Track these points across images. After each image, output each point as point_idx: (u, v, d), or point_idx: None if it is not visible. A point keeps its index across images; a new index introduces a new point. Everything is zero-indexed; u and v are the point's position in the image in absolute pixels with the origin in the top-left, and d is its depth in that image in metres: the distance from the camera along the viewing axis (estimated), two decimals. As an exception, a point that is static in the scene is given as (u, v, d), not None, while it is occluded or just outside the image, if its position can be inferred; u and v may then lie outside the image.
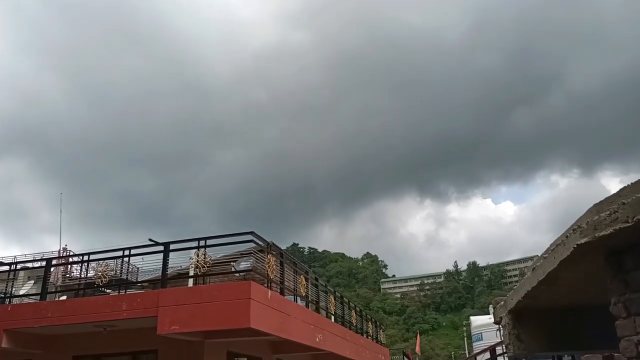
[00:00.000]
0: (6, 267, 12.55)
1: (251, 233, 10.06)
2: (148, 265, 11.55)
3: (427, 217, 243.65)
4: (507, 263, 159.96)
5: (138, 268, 12.54)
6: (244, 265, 11.86)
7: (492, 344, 15.36)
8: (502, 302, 5.46)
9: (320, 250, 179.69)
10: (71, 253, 21.28)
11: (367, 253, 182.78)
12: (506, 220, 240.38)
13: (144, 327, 10.42)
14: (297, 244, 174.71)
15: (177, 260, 11.70)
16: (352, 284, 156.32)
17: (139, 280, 12.50)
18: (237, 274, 11.75)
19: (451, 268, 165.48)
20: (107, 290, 12.43)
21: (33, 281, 14.82)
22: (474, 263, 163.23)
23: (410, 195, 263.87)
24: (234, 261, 12.03)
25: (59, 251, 22.54)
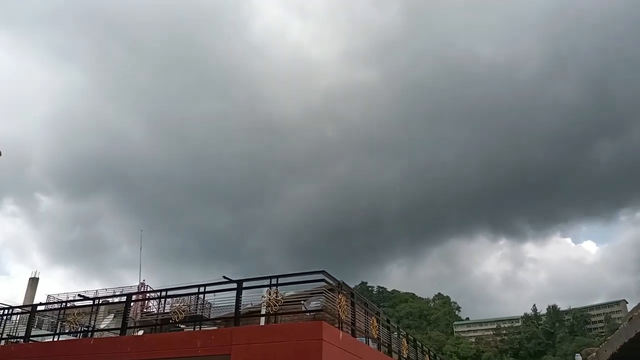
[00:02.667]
0: (89, 302, 13.13)
1: (322, 272, 10.03)
2: (221, 301, 11.76)
3: (502, 257, 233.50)
4: (591, 307, 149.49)
5: (211, 304, 12.81)
6: (314, 304, 11.82)
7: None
8: (594, 354, 5.07)
9: (389, 289, 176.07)
10: (149, 288, 22.11)
11: (439, 294, 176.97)
12: (589, 261, 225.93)
13: (216, 365, 10.54)
14: (366, 283, 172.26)
15: (248, 298, 11.82)
16: (423, 325, 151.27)
17: (211, 316, 12.73)
18: (308, 314, 11.71)
19: (530, 311, 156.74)
20: (182, 326, 12.72)
21: (113, 315, 15.43)
22: (554, 307, 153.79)
23: (483, 233, 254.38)
24: (304, 300, 12.02)
25: (138, 286, 23.49)
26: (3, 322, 13.38)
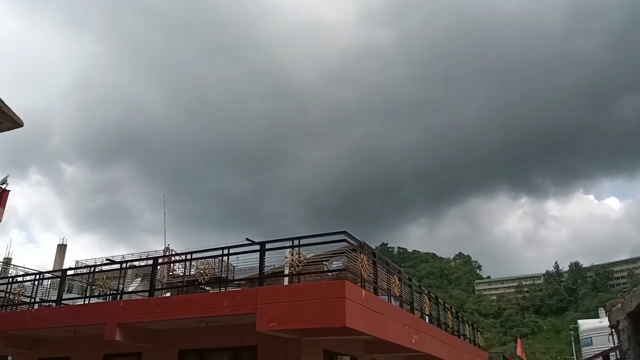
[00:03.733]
0: (117, 266, 13.46)
1: (343, 232, 10.08)
2: (244, 264, 11.95)
3: (523, 215, 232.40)
4: (614, 264, 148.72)
5: (234, 267, 13.00)
6: (335, 264, 11.92)
7: (605, 349, 14.29)
8: (619, 305, 5.05)
9: (410, 250, 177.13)
10: (173, 252, 22.58)
11: (460, 253, 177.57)
12: (612, 217, 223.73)
13: (244, 324, 10.77)
14: (386, 244, 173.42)
15: (270, 260, 11.98)
16: (444, 285, 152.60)
17: (235, 278, 12.94)
18: (330, 273, 11.83)
19: (551, 269, 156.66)
20: (207, 288, 13.00)
21: (140, 279, 15.83)
22: (576, 263, 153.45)
23: (503, 192, 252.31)
24: (326, 260, 12.12)
25: (163, 250, 24.02)
26: (35, 287, 13.86)
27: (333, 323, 8.95)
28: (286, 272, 10.88)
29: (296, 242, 10.48)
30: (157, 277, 14.41)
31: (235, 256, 11.65)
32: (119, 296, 12.53)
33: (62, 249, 27.34)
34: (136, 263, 15.42)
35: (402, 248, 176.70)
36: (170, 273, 14.34)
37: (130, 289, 14.14)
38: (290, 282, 11.04)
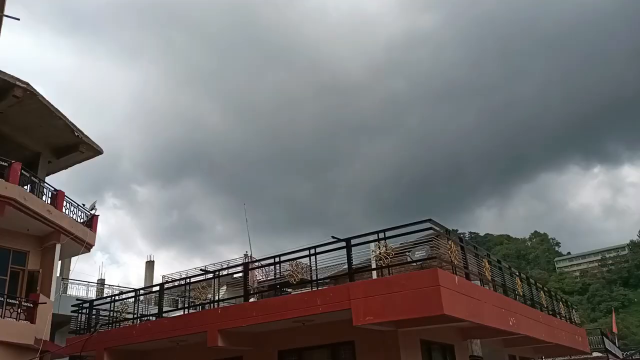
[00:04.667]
0: (209, 276, 14.02)
1: (429, 220, 10.07)
2: (328, 261, 12.10)
3: (599, 185, 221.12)
4: None
5: (311, 268, 13.14)
6: (418, 254, 11.88)
7: None
8: None
9: (482, 234, 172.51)
10: (254, 258, 23.15)
11: (535, 232, 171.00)
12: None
13: (339, 320, 10.97)
14: (456, 230, 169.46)
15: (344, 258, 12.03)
16: (522, 265, 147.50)
17: (321, 277, 13.11)
18: (415, 264, 11.79)
19: (636, 238, 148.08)
20: (289, 290, 13.28)
21: (225, 287, 16.36)
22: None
23: (574, 163, 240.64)
24: (408, 251, 12.10)
25: (243, 257, 24.68)
26: (137, 303, 14.70)
27: (430, 312, 8.96)
28: (373, 265, 10.98)
29: (381, 235, 10.58)
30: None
31: (314, 257, 11.80)
32: (212, 305, 13.06)
33: (150, 265, 28.88)
34: (224, 272, 15.96)
35: (474, 233, 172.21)
36: (260, 278, 14.76)
37: (216, 298, 14.64)
38: (378, 275, 11.11)
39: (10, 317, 14.50)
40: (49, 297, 15.88)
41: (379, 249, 10.37)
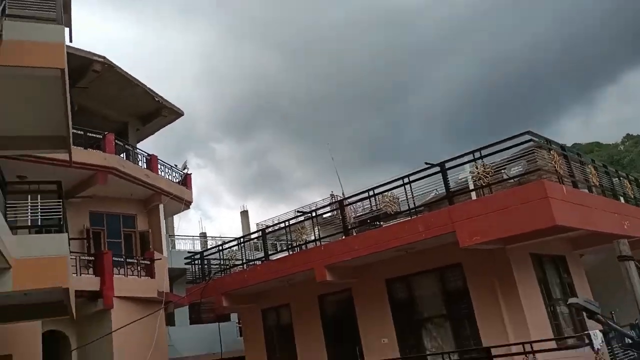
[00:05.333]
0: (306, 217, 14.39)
1: (528, 133, 9.64)
2: (420, 190, 11.95)
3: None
4: None
5: (412, 195, 13.05)
6: (515, 170, 11.46)
7: None
8: None
9: (569, 144, 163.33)
10: (338, 197, 23.44)
11: (627, 135, 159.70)
12: None
13: (443, 244, 11.01)
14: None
15: (427, 188, 11.81)
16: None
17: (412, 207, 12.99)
18: (512, 180, 11.41)
19: None
20: (380, 223, 13.35)
21: (317, 227, 16.71)
22: None
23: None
24: (503, 168, 11.70)
25: (330, 197, 25.05)
26: (242, 250, 15.53)
27: (541, 224, 8.74)
28: (470, 187, 10.77)
29: (477, 155, 10.31)
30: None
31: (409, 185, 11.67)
32: (315, 243, 13.47)
33: (245, 214, 30.32)
34: (317, 211, 16.23)
35: (561, 144, 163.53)
36: (353, 215, 14.99)
37: (311, 238, 15.03)
38: (477, 196, 10.89)
39: (133, 275, 15.82)
40: (162, 253, 17.09)
41: (477, 168, 10.13)
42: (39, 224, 9.57)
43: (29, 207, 8.97)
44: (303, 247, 13.76)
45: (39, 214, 9.13)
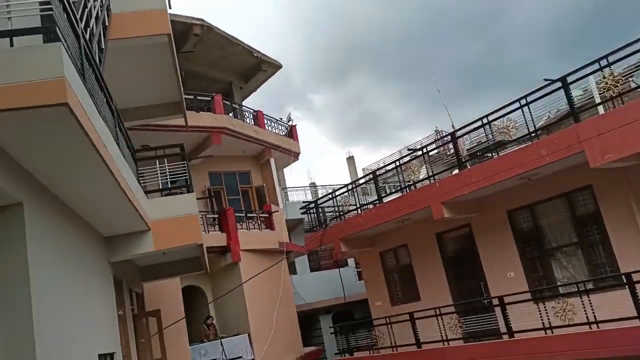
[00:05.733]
0: (417, 154, 14.08)
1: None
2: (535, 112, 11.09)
3: None
4: None
5: (531, 117, 12.22)
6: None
7: None
8: None
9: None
10: (443, 133, 22.73)
11: None
12: None
13: (569, 167, 10.28)
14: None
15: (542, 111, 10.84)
16: None
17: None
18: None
19: None
20: (492, 155, 12.61)
21: (424, 166, 16.30)
22: None
23: None
24: (631, 76, 10.51)
25: (435, 132, 24.32)
26: (356, 195, 15.67)
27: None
28: (597, 100, 9.83)
29: (603, 63, 9.33)
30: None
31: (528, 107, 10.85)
32: (429, 180, 13.18)
33: (351, 160, 30.50)
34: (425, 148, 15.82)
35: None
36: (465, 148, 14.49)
37: (421, 176, 14.68)
38: (606, 110, 9.94)
39: (254, 229, 16.61)
40: (277, 205, 17.74)
41: (604, 78, 9.18)
42: (169, 187, 10.23)
43: (158, 172, 9.55)
44: (415, 186, 13.58)
45: (168, 177, 9.73)
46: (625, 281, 8.89)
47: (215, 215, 15.74)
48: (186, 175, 10.24)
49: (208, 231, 15.18)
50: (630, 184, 9.82)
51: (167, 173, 9.85)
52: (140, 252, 9.09)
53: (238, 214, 16.25)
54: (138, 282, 11.70)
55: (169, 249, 9.84)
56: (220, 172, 17.46)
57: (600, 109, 10.00)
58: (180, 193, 10.42)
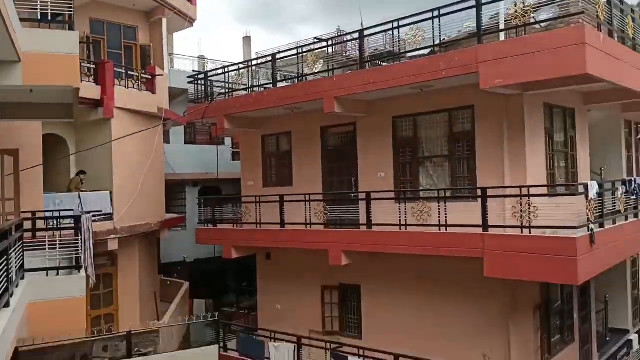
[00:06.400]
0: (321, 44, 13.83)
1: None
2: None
3: None
4: None
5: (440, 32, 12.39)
6: (545, 15, 10.88)
7: None
8: None
9: None
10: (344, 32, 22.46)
11: None
12: None
13: (459, 85, 10.86)
14: None
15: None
16: None
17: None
18: (539, 25, 10.89)
19: None
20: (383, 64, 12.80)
21: (321, 61, 16.18)
22: None
23: None
24: (535, 11, 11.07)
25: (337, 31, 24.02)
26: (250, 74, 15.17)
27: (571, 71, 8.57)
28: (502, 26, 10.26)
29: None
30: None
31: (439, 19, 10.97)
32: (327, 74, 13.14)
33: (247, 40, 28.97)
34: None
35: None
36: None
37: (315, 71, 14.58)
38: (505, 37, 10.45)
39: (133, 89, 15.50)
40: (162, 69, 16.62)
41: (515, 6, 9.57)
42: (49, 18, 9.03)
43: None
44: (307, 79, 13.48)
45: (49, 7, 8.56)
46: (480, 194, 9.91)
47: (92, 66, 14.32)
48: (71, 10, 9.10)
49: (82, 81, 13.82)
50: (507, 111, 10.69)
51: (49, 2, 8.65)
52: (7, 84, 8.10)
53: (118, 70, 14.96)
54: (-5, 118, 10.51)
55: (39, 86, 8.89)
56: (103, 21, 15.66)
57: (502, 36, 10.50)
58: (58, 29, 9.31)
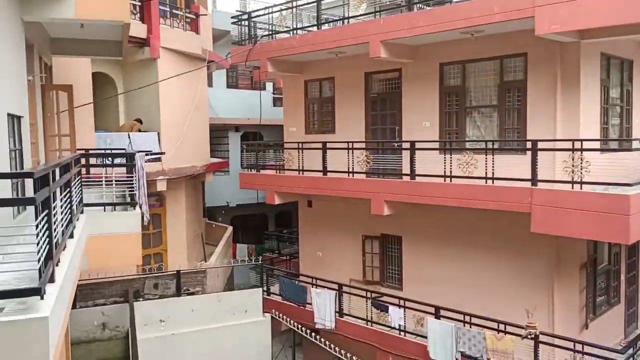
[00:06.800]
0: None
1: None
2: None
3: None
4: None
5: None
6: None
7: None
8: None
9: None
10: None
11: None
12: None
13: (513, 31, 10.41)
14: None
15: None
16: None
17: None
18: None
19: None
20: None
21: (365, 3, 15.66)
22: None
23: None
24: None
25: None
26: (294, 16, 14.90)
27: (631, 19, 8.06)
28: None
29: None
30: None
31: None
32: (375, 15, 12.79)
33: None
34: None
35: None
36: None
37: (359, 12, 14.16)
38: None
39: (178, 28, 15.48)
40: (206, 9, 16.49)
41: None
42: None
43: None
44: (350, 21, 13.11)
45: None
46: (530, 147, 9.64)
47: (138, 3, 14.32)
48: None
49: (128, 19, 13.89)
50: (562, 60, 10.20)
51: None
52: (59, 17, 8.20)
53: (162, 8, 14.92)
54: (48, 52, 10.73)
55: (90, 20, 8.96)
56: (149, -44, 15.52)
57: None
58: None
